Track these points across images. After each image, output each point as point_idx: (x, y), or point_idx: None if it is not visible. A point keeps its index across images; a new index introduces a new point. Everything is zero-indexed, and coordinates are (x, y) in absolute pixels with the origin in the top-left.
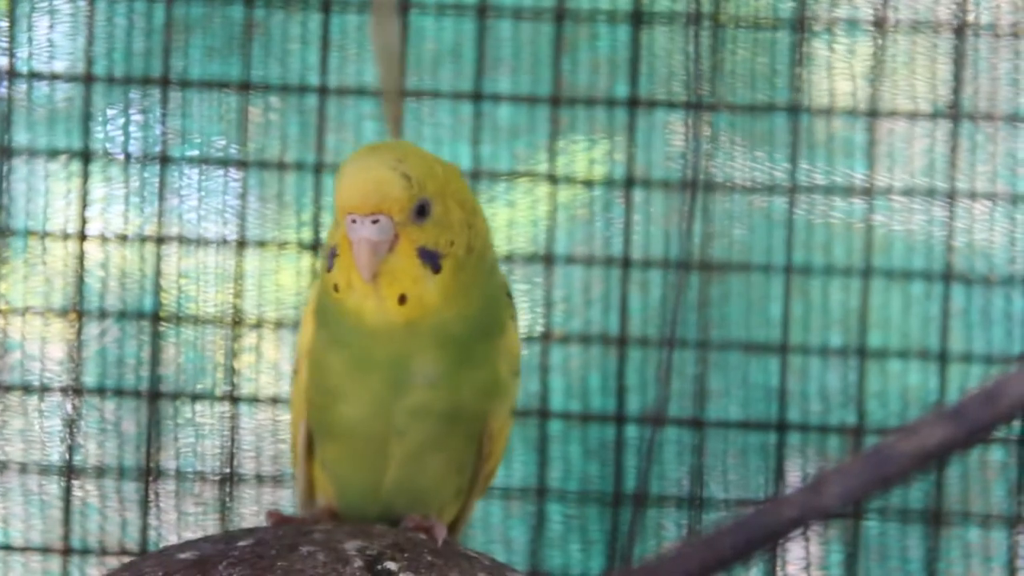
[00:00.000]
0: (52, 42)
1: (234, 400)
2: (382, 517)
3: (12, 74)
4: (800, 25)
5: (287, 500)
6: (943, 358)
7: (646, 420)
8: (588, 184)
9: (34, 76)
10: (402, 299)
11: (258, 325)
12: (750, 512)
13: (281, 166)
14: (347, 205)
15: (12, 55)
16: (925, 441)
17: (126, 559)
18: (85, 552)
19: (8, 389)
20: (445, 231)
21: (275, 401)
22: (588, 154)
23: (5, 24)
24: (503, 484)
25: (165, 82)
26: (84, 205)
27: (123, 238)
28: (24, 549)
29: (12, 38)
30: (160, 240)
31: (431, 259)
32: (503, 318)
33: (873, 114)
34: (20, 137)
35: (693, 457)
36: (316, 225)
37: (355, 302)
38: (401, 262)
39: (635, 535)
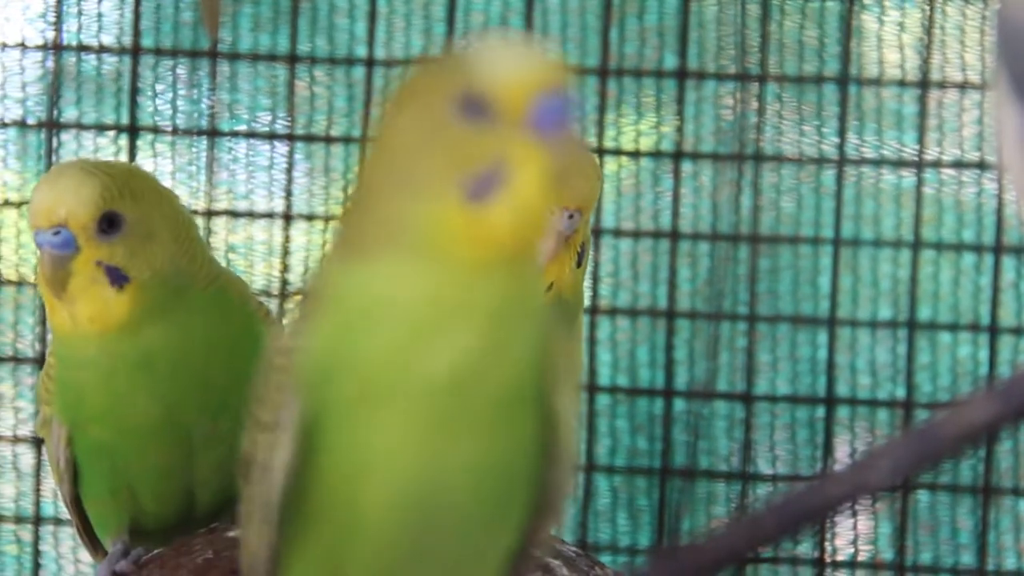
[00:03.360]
0: (100, 14)
1: None
2: None
3: (60, 47)
4: None
5: None
6: (993, 331)
7: (694, 394)
8: (636, 156)
9: (82, 49)
10: None
11: None
12: (798, 488)
13: (328, 139)
14: None
15: (60, 28)
16: (975, 418)
17: None
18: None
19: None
20: None
21: None
22: (636, 126)
23: None
24: None
25: (213, 55)
26: None
27: None
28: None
29: (60, 11)
30: (209, 214)
31: None
32: None
33: (923, 85)
34: (68, 111)
35: (742, 431)
36: None
37: None
38: None
39: (684, 509)
